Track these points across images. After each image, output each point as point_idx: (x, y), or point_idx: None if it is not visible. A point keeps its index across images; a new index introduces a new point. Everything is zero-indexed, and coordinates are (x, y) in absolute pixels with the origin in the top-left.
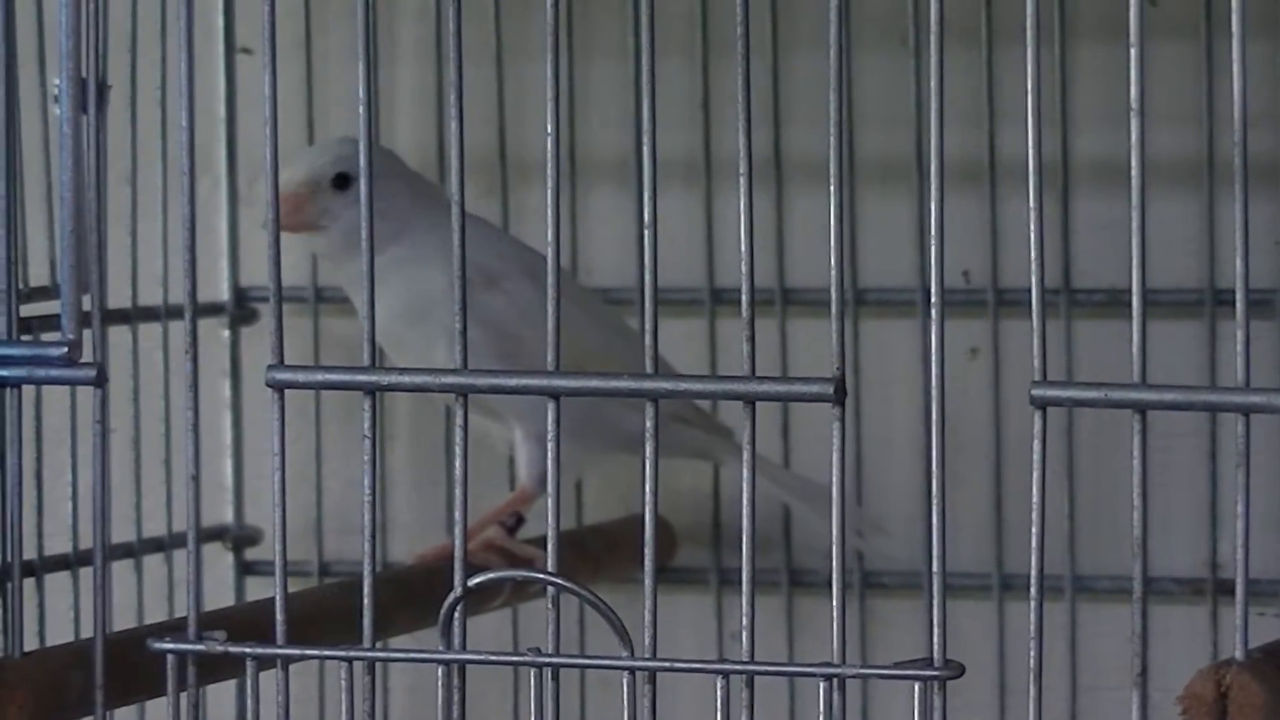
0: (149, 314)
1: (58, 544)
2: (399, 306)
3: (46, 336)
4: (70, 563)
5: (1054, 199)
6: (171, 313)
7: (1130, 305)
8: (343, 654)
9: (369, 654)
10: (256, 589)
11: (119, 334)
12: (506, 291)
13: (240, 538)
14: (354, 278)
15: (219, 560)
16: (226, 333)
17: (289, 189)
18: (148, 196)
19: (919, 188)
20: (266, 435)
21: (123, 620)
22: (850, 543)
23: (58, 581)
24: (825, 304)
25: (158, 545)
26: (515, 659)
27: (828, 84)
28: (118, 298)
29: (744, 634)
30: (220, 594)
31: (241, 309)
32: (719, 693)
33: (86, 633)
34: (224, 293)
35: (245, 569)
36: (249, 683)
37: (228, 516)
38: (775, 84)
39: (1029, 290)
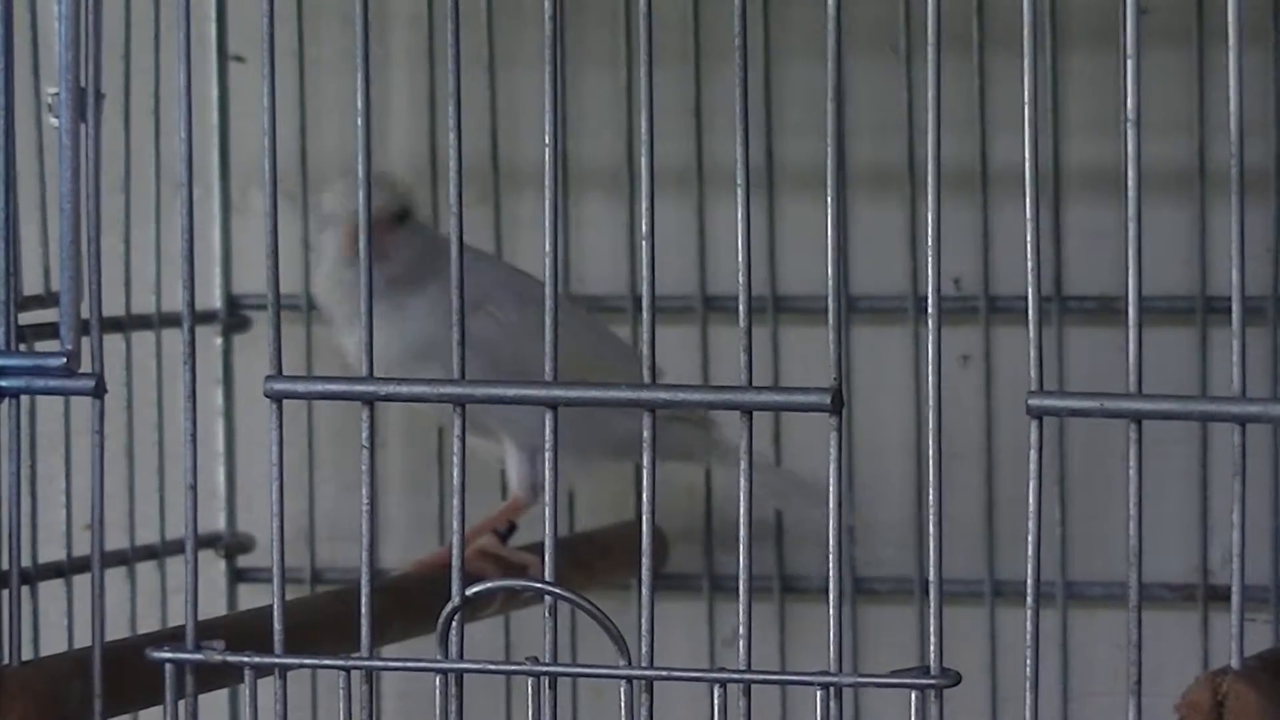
0: (142, 322)
1: (50, 551)
2: (397, 351)
3: (41, 345)
4: (64, 570)
5: (1046, 206)
6: (165, 320)
7: (1123, 312)
8: (341, 663)
9: (367, 663)
10: (248, 595)
11: (112, 341)
12: (491, 314)
13: (232, 545)
14: (382, 308)
15: (211, 567)
16: (219, 340)
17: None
18: (140, 204)
19: (910, 195)
20: (258, 442)
21: (116, 627)
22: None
23: (51, 589)
24: (817, 311)
25: (151, 553)
26: (513, 668)
27: (820, 92)
28: (111, 305)
29: (741, 643)
30: (212, 600)
31: (234, 316)
32: (715, 702)
33: (80, 641)
34: (216, 300)
35: (237, 576)
36: (248, 691)
37: (220, 524)
38: (767, 92)
39: (1020, 297)
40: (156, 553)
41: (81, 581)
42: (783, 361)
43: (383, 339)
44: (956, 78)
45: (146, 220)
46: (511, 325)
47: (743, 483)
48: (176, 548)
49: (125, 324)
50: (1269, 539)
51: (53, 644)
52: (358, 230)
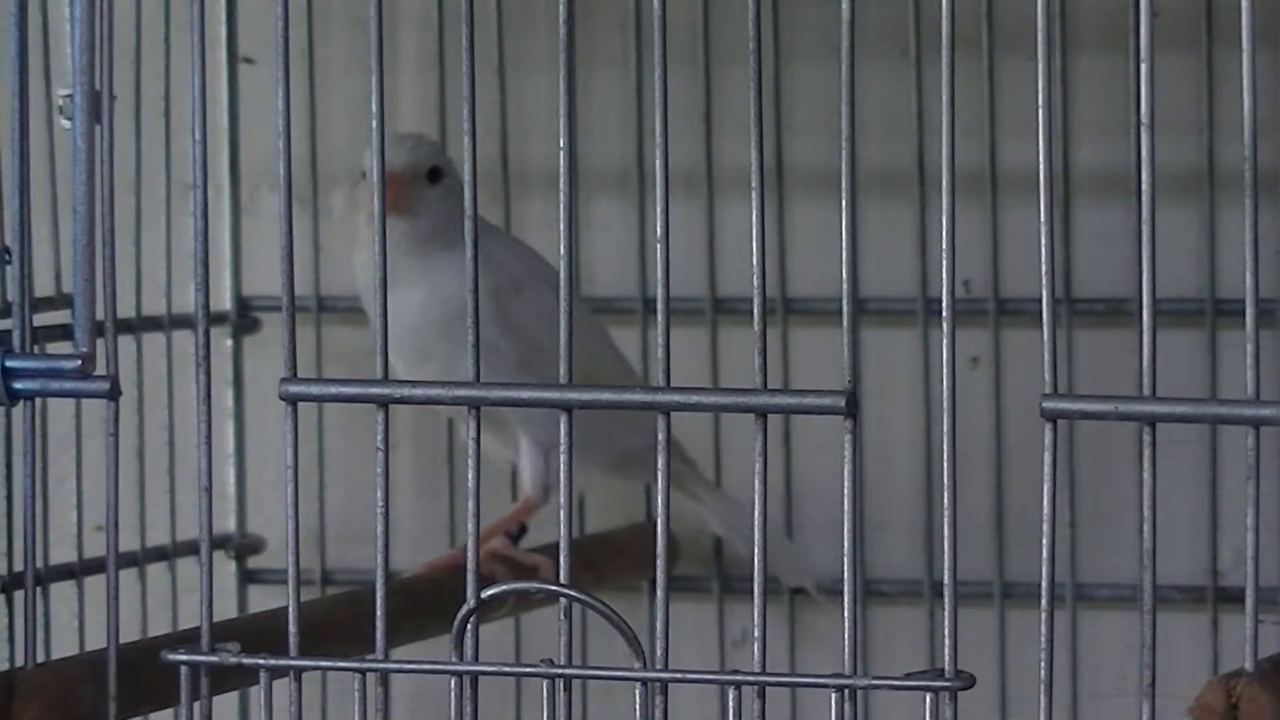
0: (153, 324)
1: (61, 553)
2: (436, 313)
3: (52, 347)
4: (75, 572)
5: (1055, 208)
6: (176, 322)
7: (1132, 315)
8: (356, 665)
9: (382, 665)
10: (259, 597)
11: (123, 343)
12: (530, 300)
13: (243, 546)
14: (418, 268)
15: (221, 569)
16: (229, 342)
17: (394, 171)
18: (151, 206)
19: (920, 197)
20: (269, 444)
21: (127, 629)
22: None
23: (62, 591)
24: (827, 313)
25: (161, 554)
26: (528, 670)
27: (829, 94)
28: (122, 307)
29: (755, 645)
30: (223, 602)
31: (244, 318)
32: (730, 703)
33: (92, 643)
34: (226, 302)
35: (248, 577)
36: (263, 694)
37: (230, 525)
38: (777, 94)
39: (1030, 300)
40: (167, 554)
41: (93, 583)
42: (793, 363)
43: (418, 299)
44: (966, 80)
45: (157, 222)
46: (549, 311)
47: (757, 485)
48: (187, 549)
49: (136, 325)
50: (1279, 540)
51: (63, 646)
52: (394, 184)
